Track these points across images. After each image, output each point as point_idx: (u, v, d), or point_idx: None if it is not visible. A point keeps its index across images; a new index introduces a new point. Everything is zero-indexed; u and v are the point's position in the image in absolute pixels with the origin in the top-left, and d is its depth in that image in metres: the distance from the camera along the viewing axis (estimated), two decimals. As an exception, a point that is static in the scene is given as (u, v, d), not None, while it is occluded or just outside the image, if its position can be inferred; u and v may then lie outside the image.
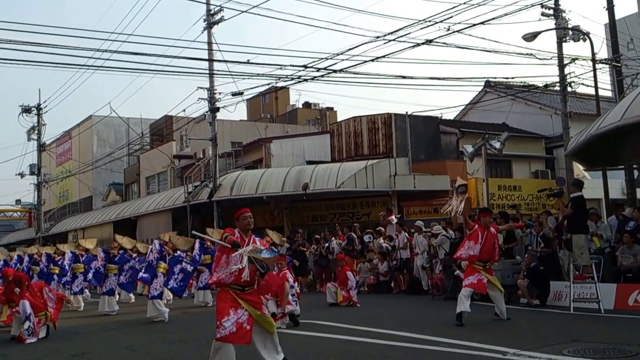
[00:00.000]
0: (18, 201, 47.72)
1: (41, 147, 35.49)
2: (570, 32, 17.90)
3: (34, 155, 35.81)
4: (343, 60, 19.52)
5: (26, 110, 34.75)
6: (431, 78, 26.23)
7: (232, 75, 21.18)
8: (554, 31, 17.91)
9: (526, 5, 16.82)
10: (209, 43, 21.62)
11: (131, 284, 14.00)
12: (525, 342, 6.93)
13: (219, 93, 22.33)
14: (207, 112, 22.62)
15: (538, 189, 17.41)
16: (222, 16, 21.81)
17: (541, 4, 17.57)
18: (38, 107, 34.87)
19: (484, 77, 31.43)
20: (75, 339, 9.23)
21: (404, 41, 17.45)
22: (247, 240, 5.79)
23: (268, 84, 21.67)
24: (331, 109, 40.37)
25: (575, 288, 9.89)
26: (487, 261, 8.95)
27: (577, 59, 18.31)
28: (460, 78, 30.20)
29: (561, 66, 18.04)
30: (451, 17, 18.49)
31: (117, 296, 14.25)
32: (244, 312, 5.61)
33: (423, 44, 17.22)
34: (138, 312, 12.56)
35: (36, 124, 35.23)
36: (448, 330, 8.05)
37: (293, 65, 19.89)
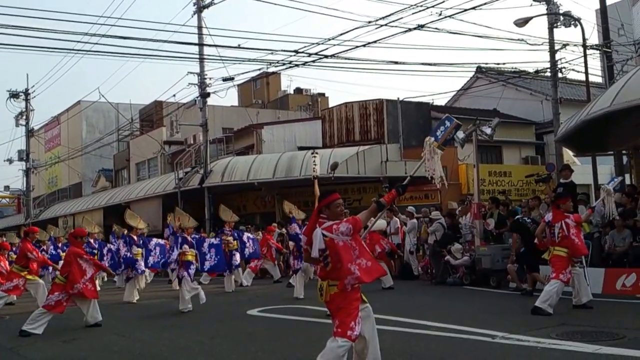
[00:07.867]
0: (7, 187, 47.48)
1: (29, 133, 35.16)
2: (562, 18, 17.92)
3: (22, 141, 35.55)
4: (334, 45, 19.43)
5: (14, 95, 34.34)
6: (423, 64, 26.21)
7: (222, 60, 21.14)
8: (545, 17, 17.91)
9: (518, -10, 16.79)
10: (199, 27, 21.42)
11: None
12: (514, 325, 7.00)
13: (210, 78, 22.19)
14: (197, 97, 22.46)
15: (526, 174, 17.50)
16: (212, 0, 21.60)
17: (533, -11, 17.57)
18: (26, 92, 34.48)
19: (476, 63, 31.44)
20: (65, 325, 9.20)
21: (395, 26, 17.46)
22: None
23: (259, 69, 21.47)
24: (323, 94, 40.19)
25: (564, 273, 9.94)
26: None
27: (568, 44, 18.37)
28: (451, 64, 30.19)
29: (552, 52, 18.06)
30: (443, 1, 18.47)
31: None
32: None
33: (415, 29, 17.20)
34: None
35: (24, 110, 34.86)
36: (438, 315, 8.11)
37: (284, 50, 19.88)
